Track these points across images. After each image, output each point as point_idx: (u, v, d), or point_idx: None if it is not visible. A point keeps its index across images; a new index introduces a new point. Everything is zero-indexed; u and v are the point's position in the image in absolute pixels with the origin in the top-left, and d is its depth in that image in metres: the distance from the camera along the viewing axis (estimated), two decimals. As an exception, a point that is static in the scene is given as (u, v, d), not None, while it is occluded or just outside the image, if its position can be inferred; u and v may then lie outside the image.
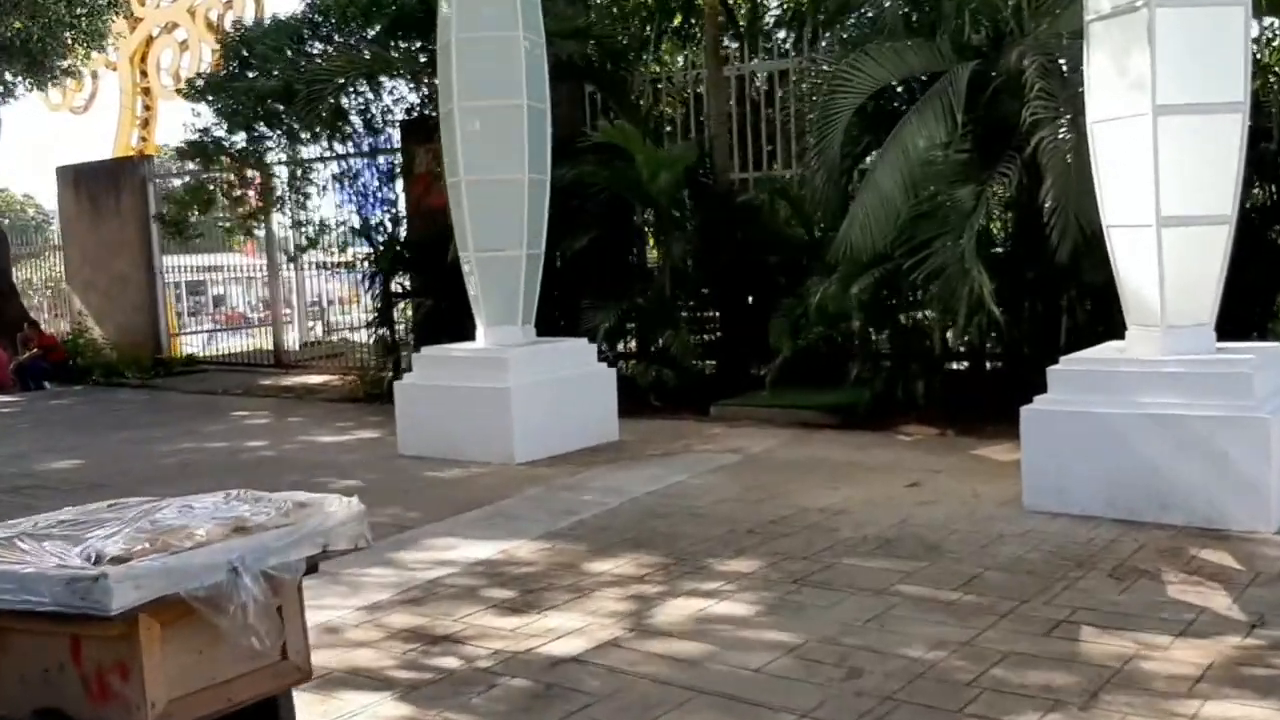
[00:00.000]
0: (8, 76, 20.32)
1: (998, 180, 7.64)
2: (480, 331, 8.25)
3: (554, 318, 9.58)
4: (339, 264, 13.65)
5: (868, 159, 8.53)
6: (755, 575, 4.92)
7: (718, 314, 10.35)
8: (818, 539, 5.47)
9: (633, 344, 10.61)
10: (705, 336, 10.38)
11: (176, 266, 16.81)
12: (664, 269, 9.72)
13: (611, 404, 8.46)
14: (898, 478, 6.76)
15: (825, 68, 8.94)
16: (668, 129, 11.63)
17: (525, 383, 7.81)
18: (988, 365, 8.93)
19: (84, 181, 16.77)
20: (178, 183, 15.21)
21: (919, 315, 8.80)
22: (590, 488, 6.92)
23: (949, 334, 8.35)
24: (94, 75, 23.29)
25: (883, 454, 7.56)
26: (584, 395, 8.24)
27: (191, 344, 17.32)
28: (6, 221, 29.83)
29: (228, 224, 14.73)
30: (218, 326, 20.03)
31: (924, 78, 8.14)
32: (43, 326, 16.85)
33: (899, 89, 8.59)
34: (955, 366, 9.09)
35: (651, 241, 10.91)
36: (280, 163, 13.02)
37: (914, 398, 8.25)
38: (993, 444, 7.52)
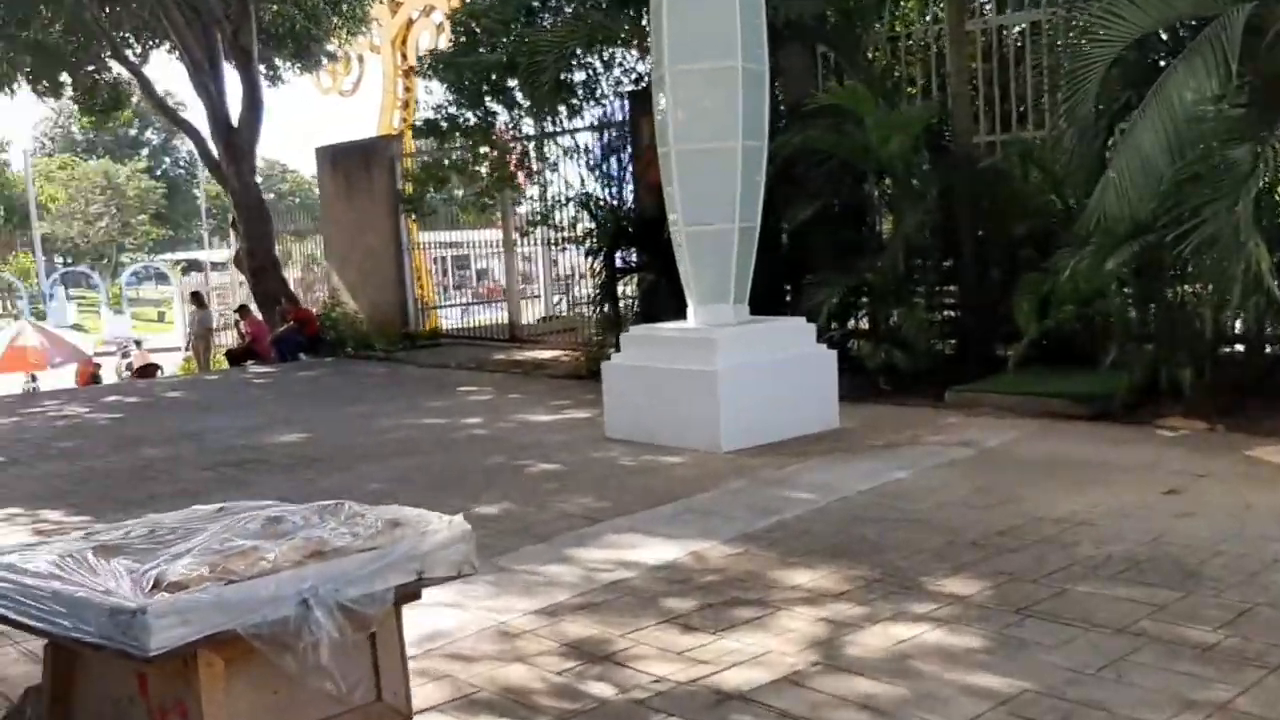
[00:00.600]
0: (277, 62, 21.55)
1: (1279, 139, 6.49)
2: (690, 310, 7.80)
3: (775, 296, 9.02)
4: (569, 239, 13.54)
5: (1126, 117, 7.47)
6: (972, 600, 4.24)
7: (956, 290, 9.48)
8: (1051, 557, 4.71)
9: (860, 323, 9.88)
10: (941, 315, 9.53)
11: (433, 242, 17.39)
12: (897, 241, 8.94)
13: (831, 389, 7.83)
14: (1154, 482, 5.83)
15: (1079, 16, 7.90)
16: (910, 90, 10.77)
17: (735, 365, 7.31)
18: (1267, 350, 7.72)
19: (340, 161, 17.46)
20: (421, 161, 15.55)
21: (1185, 292, 7.68)
22: (798, 483, 6.36)
23: (1221, 315, 7.21)
24: (359, 59, 24.34)
25: (1138, 452, 6.60)
26: (800, 379, 7.65)
27: (449, 317, 17.85)
28: (297, 200, 31.88)
29: (466, 200, 14.90)
30: (474, 300, 20.61)
31: (1192, 23, 7.04)
32: (302, 301, 17.75)
33: (1162, 37, 7.49)
34: (1228, 351, 7.91)
35: (885, 212, 10.12)
36: (512, 139, 13.00)
37: (1178, 387, 7.20)
38: (1271, 443, 6.44)
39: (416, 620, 4.30)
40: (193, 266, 59.39)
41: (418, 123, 12.93)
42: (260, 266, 17.68)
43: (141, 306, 60.39)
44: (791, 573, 4.68)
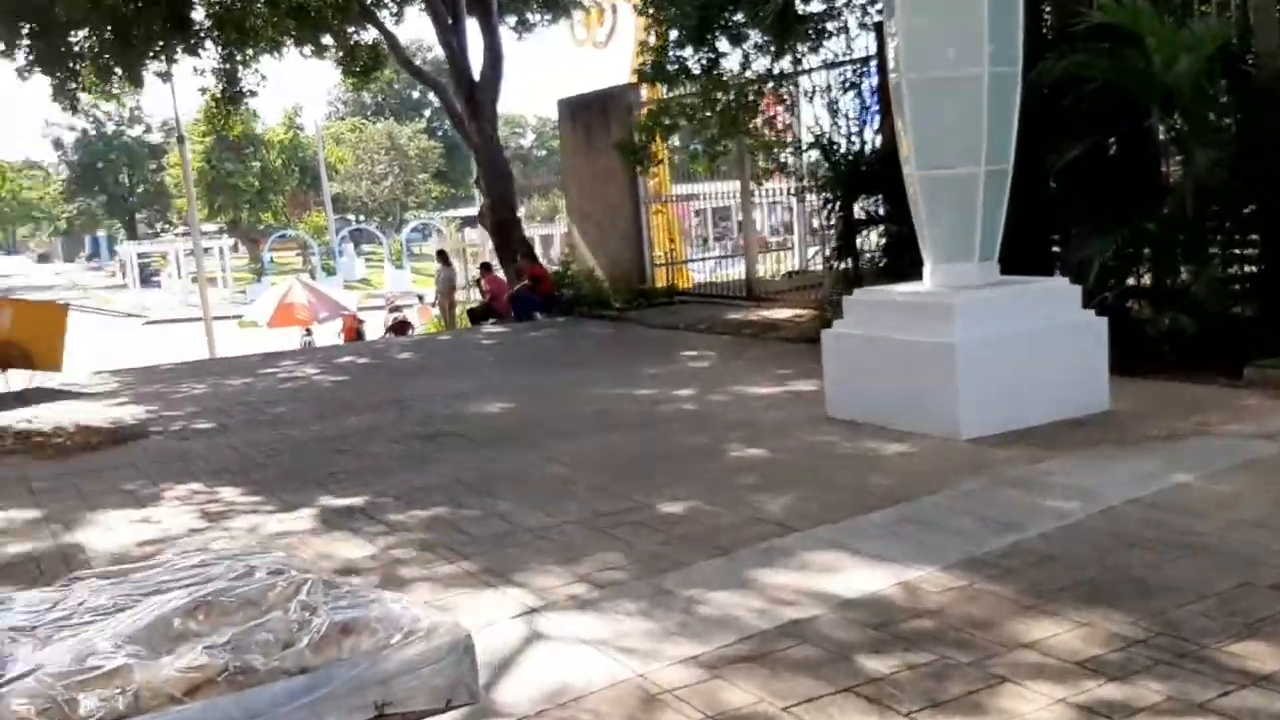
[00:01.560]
0: (527, 16, 21.35)
1: None
2: (926, 270, 6.65)
3: (1032, 252, 7.68)
4: (808, 187, 12.44)
5: None
6: (1276, 681, 3.05)
7: (1258, 242, 7.76)
8: (1401, 617, 3.41)
9: (1140, 282, 8.32)
10: (1240, 272, 7.87)
11: (695, 193, 16.78)
12: (1185, 184, 7.37)
13: (1100, 364, 6.49)
14: None
15: None
16: (1202, 8, 8.98)
17: (978, 336, 6.12)
18: None
19: (579, 113, 16.98)
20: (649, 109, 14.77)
21: None
22: (1049, 485, 5.16)
23: None
24: (613, 8, 23.84)
25: None
26: (1060, 352, 6.36)
27: (700, 271, 17.20)
28: (545, 154, 32.07)
29: (696, 150, 14.02)
30: (726, 254, 19.87)
31: None
32: (543, 259, 17.52)
33: None
34: None
35: (1170, 149, 8.46)
36: (744, 81, 11.99)
37: None
38: None
39: (540, 660, 3.56)
40: (467, 223, 61.83)
41: (645, 67, 12.12)
42: (501, 222, 17.52)
43: (422, 261, 63.53)
44: (1028, 623, 3.58)
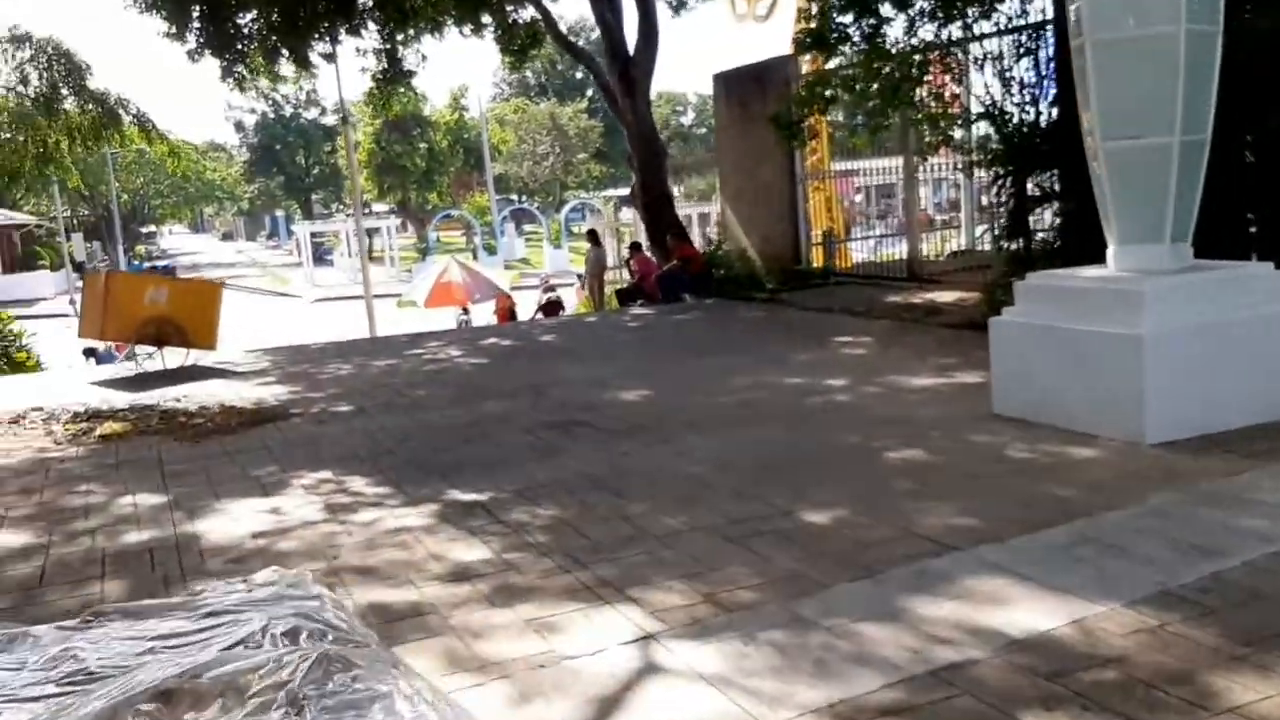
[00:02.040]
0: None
1: None
2: (1110, 252, 5.93)
3: (1233, 233, 6.83)
4: (976, 161, 11.60)
5: None
6: None
7: None
8: None
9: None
10: None
11: (859, 169, 16.13)
12: None
13: (1313, 361, 5.67)
14: None
15: None
16: None
17: (1170, 327, 5.39)
18: None
19: (734, 87, 16.43)
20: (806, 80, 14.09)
21: None
22: (1252, 501, 4.46)
23: None
24: (774, -20, 23.16)
25: None
26: (1262, 347, 5.58)
27: (861, 250, 16.52)
28: (704, 130, 31.59)
29: (859, 123, 13.30)
30: (889, 232, 19.11)
31: None
32: (698, 238, 17.07)
33: None
34: None
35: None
36: (908, 49, 11.24)
37: None
38: None
39: (649, 701, 3.13)
40: (625, 202, 61.82)
41: (803, 36, 11.50)
42: (653, 201, 17.16)
43: (581, 241, 63.83)
44: (1234, 679, 2.98)
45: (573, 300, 22.53)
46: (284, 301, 40.35)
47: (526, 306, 22.51)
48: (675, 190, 20.25)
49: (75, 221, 75.37)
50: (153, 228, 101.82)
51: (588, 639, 3.55)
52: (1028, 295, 6.22)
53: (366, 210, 71.28)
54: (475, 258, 50.81)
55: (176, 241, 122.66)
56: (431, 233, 58.46)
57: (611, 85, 17.43)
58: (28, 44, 22.03)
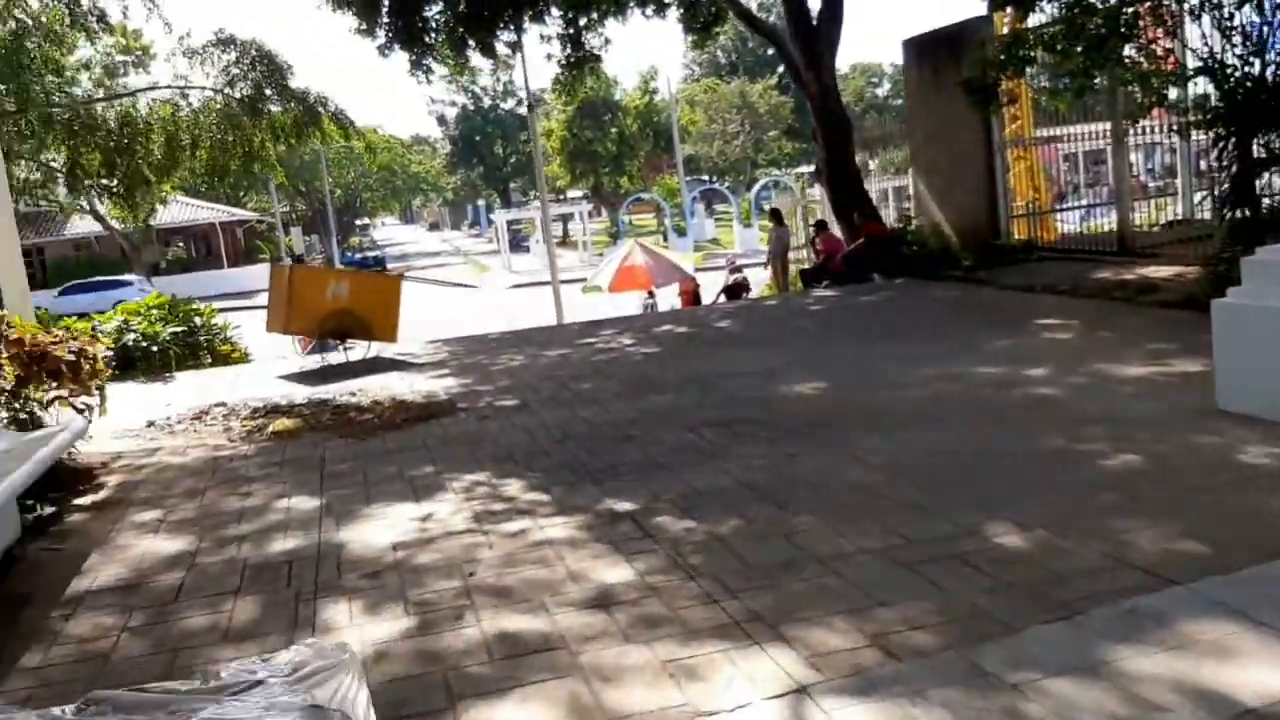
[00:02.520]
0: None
1: None
2: (1366, 221, 5.02)
3: None
4: (1191, 123, 10.44)
5: None
6: None
7: None
8: None
9: None
10: None
11: (1041, 138, 15.03)
12: None
13: None
14: None
15: None
16: None
17: None
18: None
19: (926, 52, 15.50)
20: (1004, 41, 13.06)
21: None
22: None
23: None
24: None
25: None
26: None
27: (1067, 222, 15.40)
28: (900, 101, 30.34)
29: (1063, 85, 12.23)
30: (1097, 201, 17.78)
31: None
32: (890, 212, 16.25)
33: None
34: None
35: None
36: (1117, 2, 10.18)
37: None
38: None
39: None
40: (815, 179, 60.44)
41: (995, -7, 10.61)
42: (839, 177, 16.41)
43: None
44: None
45: (763, 279, 21.94)
46: (464, 292, 41.23)
47: (714, 288, 22.07)
48: (869, 164, 19.38)
49: (294, 216, 79.69)
50: (365, 220, 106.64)
51: (730, 690, 3.10)
52: (1259, 272, 5.36)
53: (560, 196, 72.53)
54: (665, 240, 50.83)
55: (388, 233, 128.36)
56: (622, 216, 58.81)
57: (795, 58, 16.75)
58: (233, 47, 23.06)
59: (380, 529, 5.08)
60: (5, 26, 20.08)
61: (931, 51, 15.24)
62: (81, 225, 51.05)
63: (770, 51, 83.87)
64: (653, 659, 3.35)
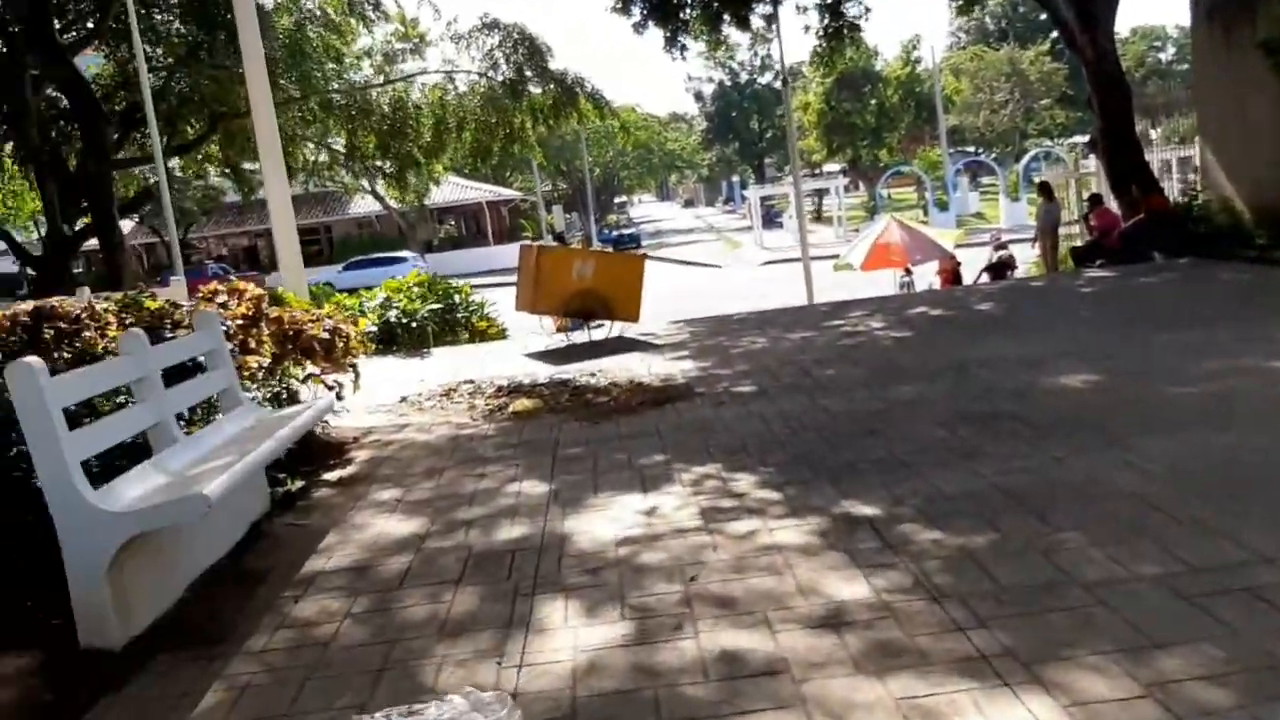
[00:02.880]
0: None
1: None
2: None
3: None
4: None
5: None
6: None
7: None
8: None
9: None
10: None
11: None
12: None
13: None
14: None
15: None
16: None
17: None
18: None
19: (1217, 10, 14.00)
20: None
21: None
22: None
23: None
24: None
25: None
26: None
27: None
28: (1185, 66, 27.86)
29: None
30: None
31: None
32: (1175, 184, 14.85)
33: None
34: None
35: None
36: None
37: None
38: None
39: None
40: (1091, 150, 56.75)
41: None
42: (1116, 147, 15.11)
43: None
44: None
45: (1030, 258, 20.63)
46: (711, 270, 41.10)
47: (976, 266, 20.92)
48: (1149, 133, 17.83)
49: (555, 194, 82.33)
50: (623, 197, 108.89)
51: (967, 746, 2.70)
52: None
53: (815, 171, 71.37)
54: (926, 214, 49.03)
55: (644, 210, 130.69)
56: (880, 190, 57.20)
57: (1070, 21, 15.53)
58: (496, 30, 23.79)
59: (605, 521, 4.91)
60: (291, 19, 21.43)
61: (1223, 9, 13.74)
62: (364, 205, 54.35)
63: (1043, 16, 79.54)
64: (885, 696, 2.98)
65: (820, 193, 63.69)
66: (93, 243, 20.56)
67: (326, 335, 7.18)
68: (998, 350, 7.99)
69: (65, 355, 6.44)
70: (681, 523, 4.77)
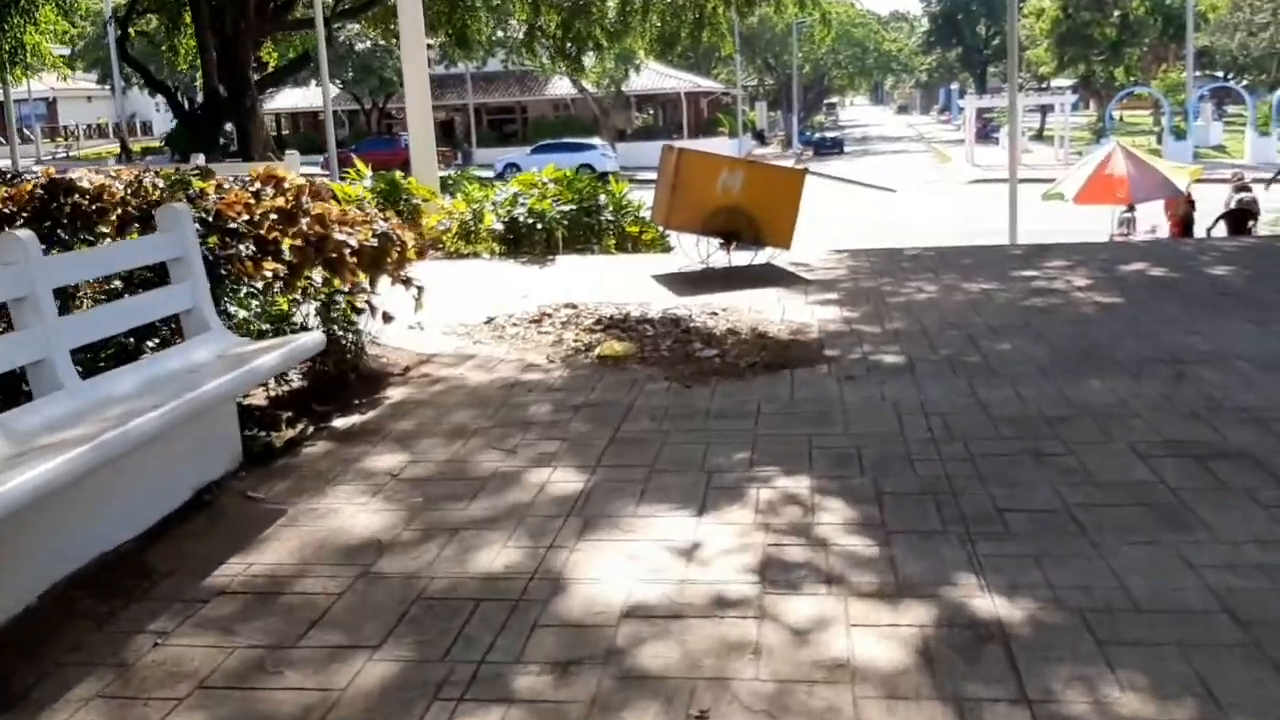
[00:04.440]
0: None
1: None
2: None
3: None
4: None
5: None
6: None
7: None
8: None
9: None
10: None
11: None
12: None
13: None
14: None
15: None
16: None
17: None
18: None
19: None
20: None
21: None
22: None
23: None
24: None
25: None
26: None
27: None
28: None
29: None
30: None
31: None
32: None
33: None
34: None
35: None
36: None
37: None
38: None
39: None
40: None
41: None
42: None
43: (1295, 128, 53.36)
44: None
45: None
46: (877, 195, 38.23)
47: (1212, 211, 18.03)
48: None
49: (760, 90, 79.35)
50: (834, 98, 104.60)
51: None
52: None
53: (1043, 85, 66.09)
54: (1160, 142, 44.44)
55: (855, 113, 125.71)
56: (1111, 111, 52.26)
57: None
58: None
59: (625, 562, 3.48)
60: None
61: None
62: (561, 86, 53.25)
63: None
64: None
65: (1045, 109, 58.95)
66: (282, 104, 19.96)
67: (374, 243, 5.89)
68: (1231, 342, 6.04)
69: (85, 237, 5.41)
70: (726, 584, 3.29)
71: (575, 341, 6.77)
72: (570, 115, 56.05)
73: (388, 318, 6.10)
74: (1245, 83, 57.46)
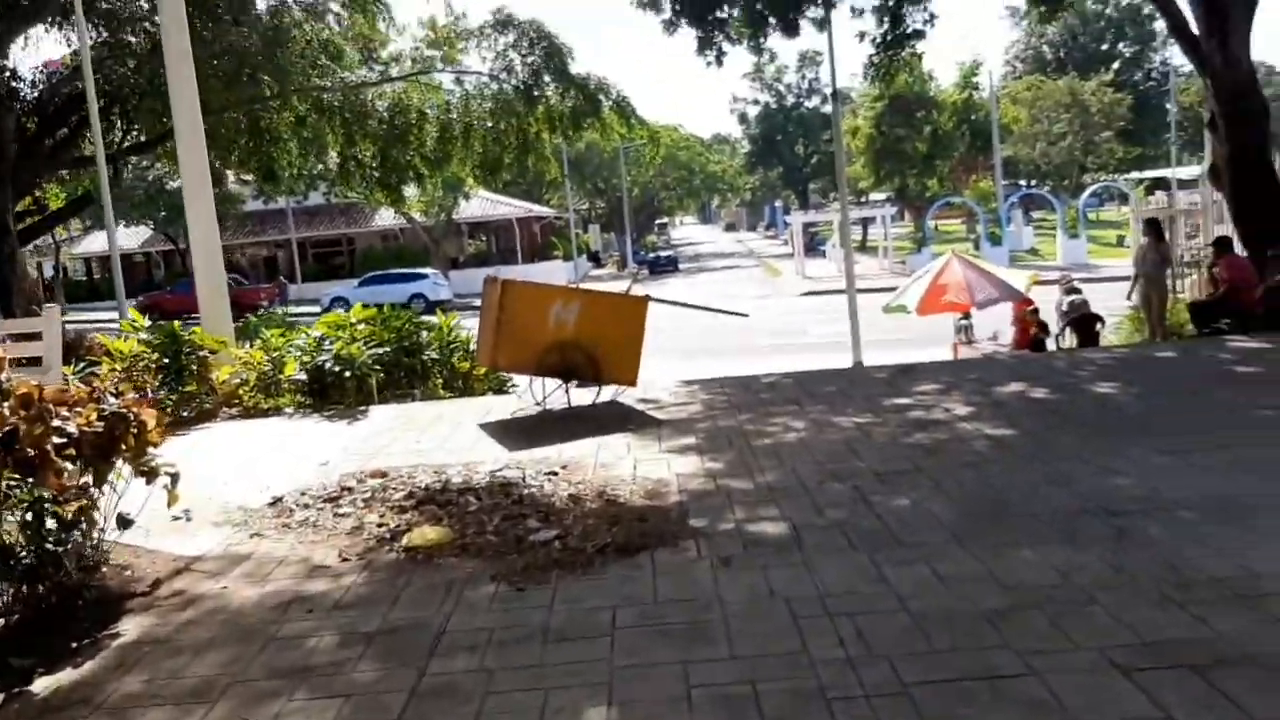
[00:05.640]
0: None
1: None
2: None
3: None
4: None
5: None
6: None
7: None
8: None
9: None
10: None
11: None
12: None
13: None
14: None
15: None
16: None
17: None
18: None
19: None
20: None
21: None
22: None
23: None
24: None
25: None
26: None
27: None
28: None
29: None
30: None
31: None
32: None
33: None
34: None
35: None
36: None
37: None
38: None
39: None
40: (1157, 186, 53.40)
41: None
42: (1246, 178, 12.18)
43: (1100, 229, 56.22)
44: None
45: (1118, 308, 17.47)
46: (748, 301, 38.27)
47: (1048, 313, 17.84)
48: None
49: (592, 213, 79.77)
50: (664, 219, 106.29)
51: None
52: None
53: (861, 199, 68.33)
54: (977, 248, 45.89)
55: (685, 232, 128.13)
56: (929, 221, 54.10)
57: (1191, 21, 12.65)
58: (511, 28, 21.20)
59: None
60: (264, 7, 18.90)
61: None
62: (388, 217, 51.96)
63: (1104, 47, 76.31)
64: None
65: (866, 221, 60.80)
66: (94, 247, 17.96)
67: (98, 427, 4.49)
68: (1158, 482, 5.15)
69: None
70: None
71: (379, 527, 5.44)
72: (400, 245, 54.72)
73: (124, 522, 4.67)
74: (1049, 188, 60.56)
